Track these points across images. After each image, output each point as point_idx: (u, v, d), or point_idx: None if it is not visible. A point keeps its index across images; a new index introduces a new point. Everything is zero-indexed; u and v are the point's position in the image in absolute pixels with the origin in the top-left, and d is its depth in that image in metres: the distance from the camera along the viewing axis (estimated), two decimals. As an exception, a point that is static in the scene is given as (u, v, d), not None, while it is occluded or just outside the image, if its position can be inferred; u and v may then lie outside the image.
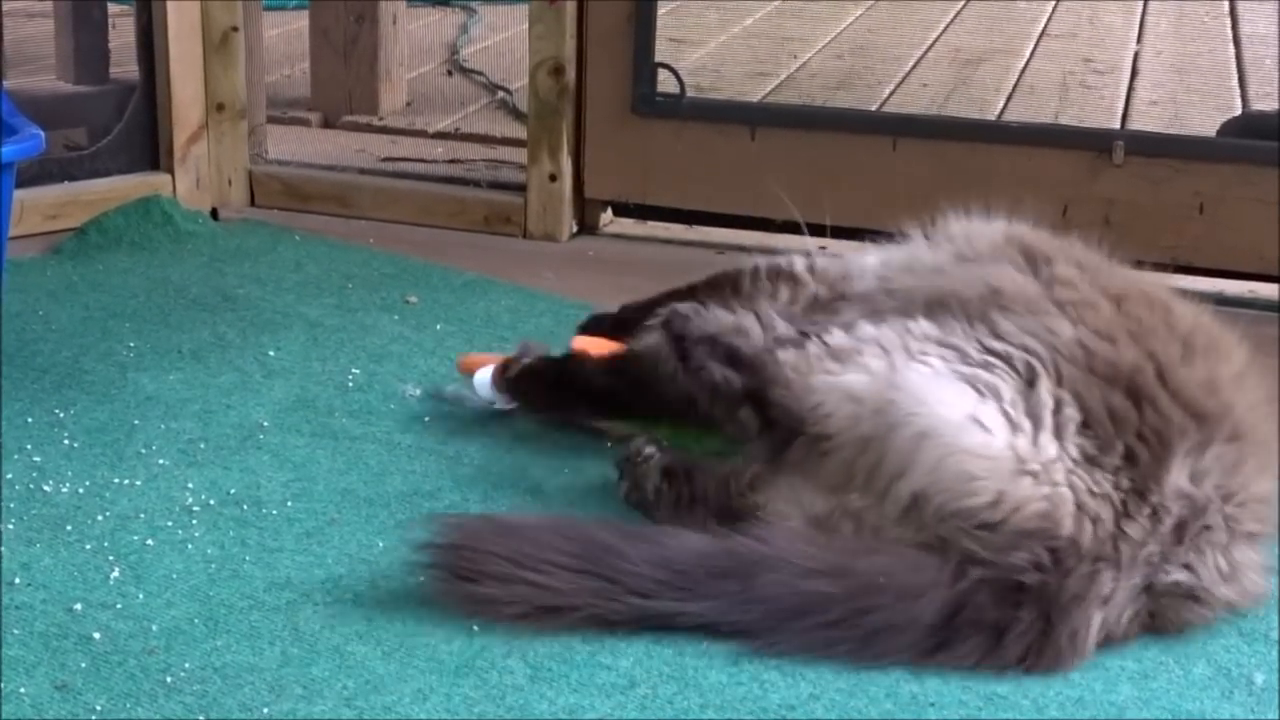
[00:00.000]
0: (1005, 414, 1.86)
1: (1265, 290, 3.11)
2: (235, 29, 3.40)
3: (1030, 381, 1.89)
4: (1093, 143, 3.16)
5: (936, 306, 2.05)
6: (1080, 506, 1.83)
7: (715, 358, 2.08)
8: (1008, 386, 1.89)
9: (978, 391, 1.88)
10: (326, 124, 4.19)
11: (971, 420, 1.85)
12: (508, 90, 4.39)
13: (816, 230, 2.61)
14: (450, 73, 4.72)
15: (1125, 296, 2.02)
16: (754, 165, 3.27)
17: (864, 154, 3.22)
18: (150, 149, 3.41)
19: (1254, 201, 3.01)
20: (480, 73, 4.64)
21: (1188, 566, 1.85)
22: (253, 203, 3.50)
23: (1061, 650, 1.78)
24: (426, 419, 2.42)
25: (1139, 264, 2.14)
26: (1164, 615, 1.86)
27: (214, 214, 3.42)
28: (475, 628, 1.83)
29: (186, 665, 1.76)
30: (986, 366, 1.92)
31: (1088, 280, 2.05)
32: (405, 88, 4.36)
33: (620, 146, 3.34)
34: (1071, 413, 1.87)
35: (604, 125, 3.33)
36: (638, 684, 1.75)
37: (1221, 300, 3.02)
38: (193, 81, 3.39)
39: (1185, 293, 2.12)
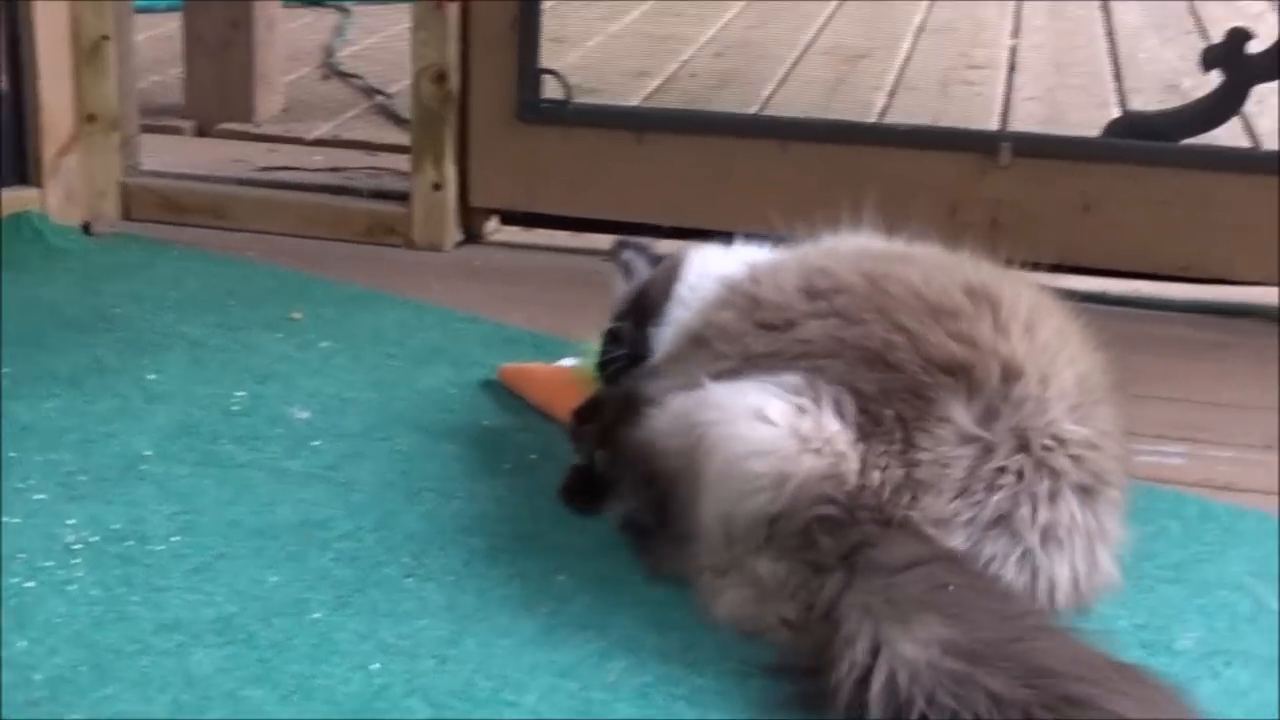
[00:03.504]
0: (795, 405, 1.84)
1: (1148, 289, 3.14)
2: (106, 38, 3.30)
3: (810, 383, 1.88)
4: (979, 144, 3.17)
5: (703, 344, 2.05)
6: (864, 464, 1.81)
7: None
8: (794, 383, 1.87)
9: (770, 390, 1.87)
10: (201, 132, 4.11)
11: (758, 416, 1.83)
12: (386, 94, 4.33)
13: (706, 235, 2.58)
14: (327, 76, 4.64)
15: (882, 277, 2.00)
16: (641, 171, 3.24)
17: (753, 157, 3.21)
18: (18, 162, 3.31)
19: (1139, 200, 3.04)
20: (358, 76, 4.57)
21: (1002, 519, 1.80)
22: (127, 216, 3.41)
23: None
24: (315, 443, 2.36)
25: (1027, 265, 2.11)
26: None
27: (86, 229, 3.32)
28: (374, 666, 1.78)
29: (74, 716, 1.69)
30: (774, 371, 1.91)
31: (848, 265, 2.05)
32: (283, 92, 4.28)
33: (505, 153, 3.29)
34: (848, 398, 1.86)
35: (489, 132, 3.29)
36: (543, 720, 1.71)
37: (1103, 300, 3.06)
38: (63, 91, 3.30)
39: (1062, 292, 2.08)
